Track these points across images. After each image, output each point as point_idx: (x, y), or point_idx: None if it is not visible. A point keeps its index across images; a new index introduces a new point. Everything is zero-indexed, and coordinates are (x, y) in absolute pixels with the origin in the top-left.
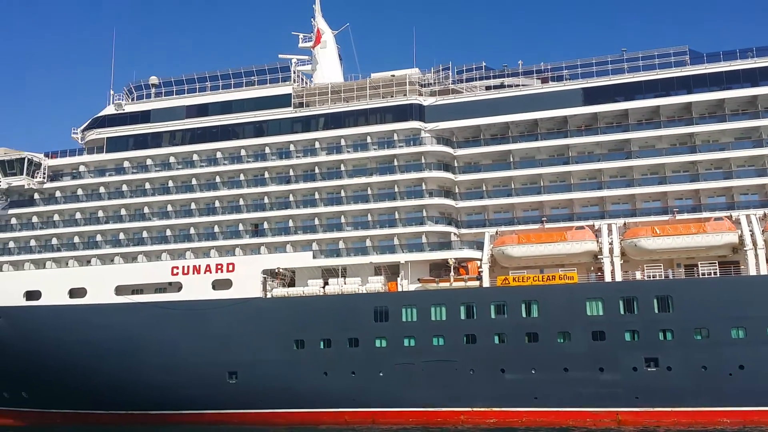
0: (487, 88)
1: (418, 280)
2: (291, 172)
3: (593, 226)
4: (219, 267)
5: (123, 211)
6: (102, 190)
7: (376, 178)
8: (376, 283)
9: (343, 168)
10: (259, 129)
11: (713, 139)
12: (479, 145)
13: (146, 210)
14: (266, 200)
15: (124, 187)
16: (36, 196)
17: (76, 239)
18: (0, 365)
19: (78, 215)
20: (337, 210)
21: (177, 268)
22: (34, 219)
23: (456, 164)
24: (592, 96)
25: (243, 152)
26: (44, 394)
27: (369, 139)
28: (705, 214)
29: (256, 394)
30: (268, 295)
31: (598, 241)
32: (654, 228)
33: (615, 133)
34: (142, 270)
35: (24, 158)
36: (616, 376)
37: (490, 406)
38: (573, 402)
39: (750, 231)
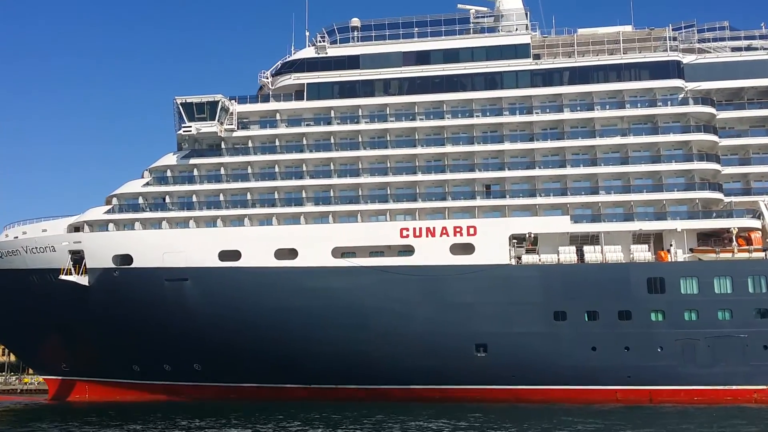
0: (733, 49)
1: (691, 250)
2: (533, 129)
3: None
4: (458, 230)
5: (331, 166)
6: (305, 141)
7: (634, 139)
8: (644, 252)
9: (596, 127)
10: (492, 81)
11: None
12: (742, 108)
13: (360, 165)
14: (505, 159)
15: (331, 139)
16: (222, 145)
17: (276, 195)
18: (173, 334)
19: (276, 168)
20: (590, 172)
21: (407, 229)
22: (222, 171)
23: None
24: None
25: (474, 106)
26: (226, 365)
27: (623, 97)
28: None
29: (509, 368)
30: (513, 262)
31: None
32: None
33: None
34: (365, 231)
35: (217, 101)
36: None
37: None
38: None
39: None
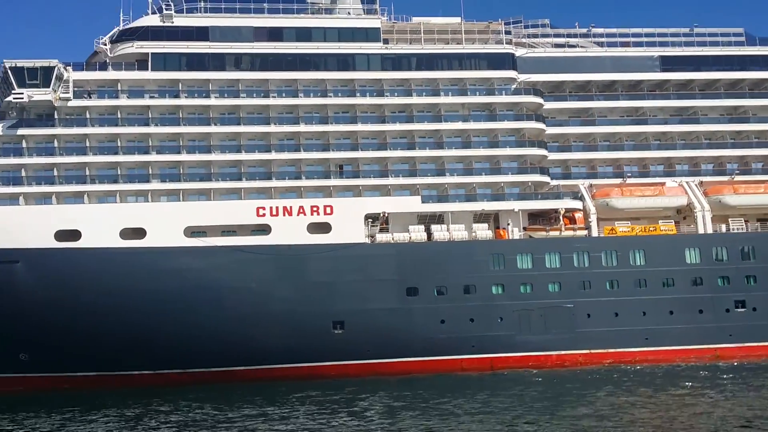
0: (556, 45)
1: (525, 228)
2: (384, 112)
3: (681, 182)
4: (315, 209)
5: (179, 141)
6: (150, 114)
7: (474, 125)
8: (485, 231)
9: (441, 112)
10: (344, 62)
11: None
12: (564, 99)
13: (211, 141)
14: (357, 139)
15: (179, 113)
16: (56, 115)
17: (118, 171)
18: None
19: (118, 142)
20: (436, 154)
21: (263, 208)
22: (55, 143)
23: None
24: (668, 63)
25: (327, 86)
26: (61, 354)
27: (464, 85)
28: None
29: (365, 344)
30: (368, 241)
31: (688, 197)
32: (735, 186)
33: (686, 99)
34: (220, 209)
35: (53, 67)
36: (712, 316)
37: (607, 348)
38: (678, 341)
39: None
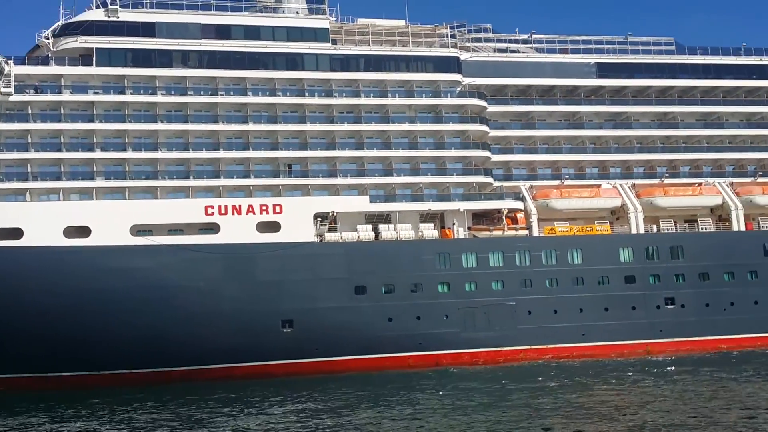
0: (498, 50)
1: (469, 228)
2: (333, 112)
3: (615, 185)
4: (264, 208)
5: (125, 138)
6: (94, 110)
7: (420, 126)
8: (431, 230)
9: (388, 113)
10: (293, 62)
11: (682, 119)
12: (505, 103)
13: (157, 139)
14: (306, 139)
15: (125, 110)
16: None
17: (61, 168)
18: None
19: (61, 138)
20: (383, 155)
21: (212, 207)
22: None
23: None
24: (603, 70)
25: (276, 85)
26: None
27: (411, 87)
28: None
29: (314, 342)
30: (317, 240)
31: (622, 198)
32: (665, 189)
33: (619, 105)
34: (167, 207)
35: None
36: (644, 313)
37: (547, 344)
38: (612, 337)
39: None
